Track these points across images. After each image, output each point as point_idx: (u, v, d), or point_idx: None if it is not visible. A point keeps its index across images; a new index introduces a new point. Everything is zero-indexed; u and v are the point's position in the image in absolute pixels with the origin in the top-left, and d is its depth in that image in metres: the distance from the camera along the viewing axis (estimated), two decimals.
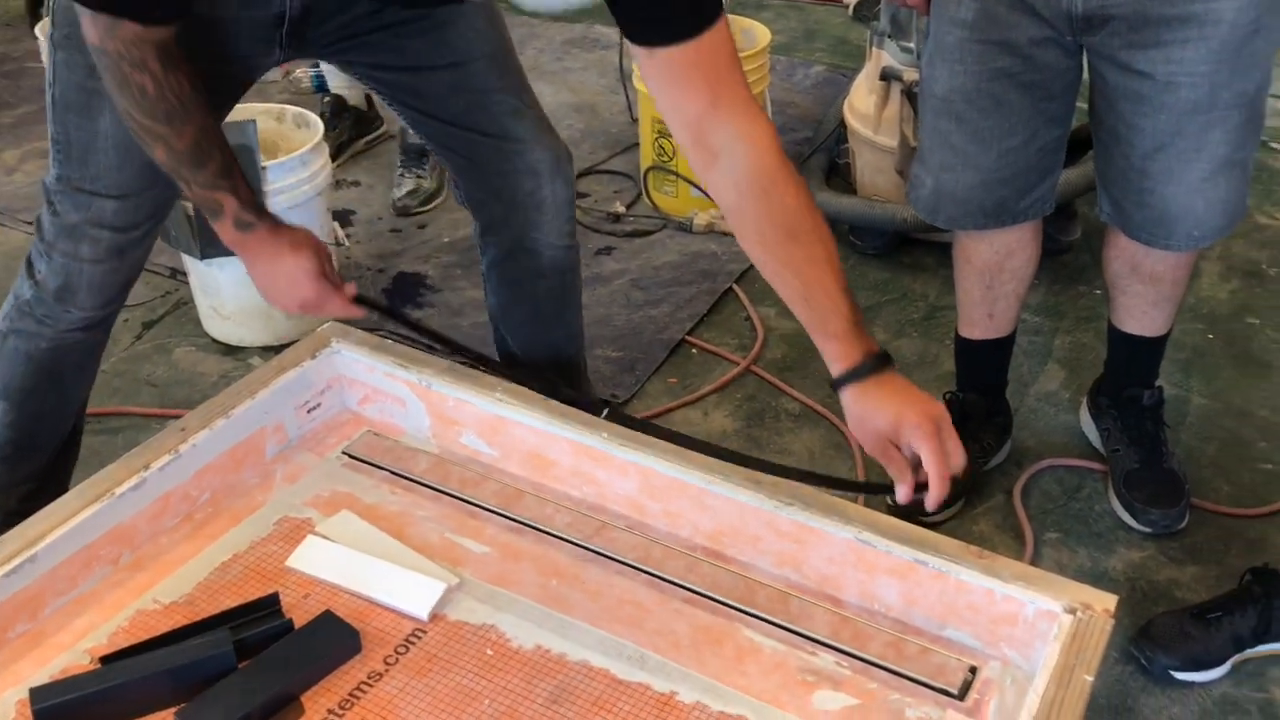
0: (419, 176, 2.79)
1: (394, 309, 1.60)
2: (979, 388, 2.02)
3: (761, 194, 1.28)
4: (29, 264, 1.61)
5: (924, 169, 1.81)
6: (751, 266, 2.54)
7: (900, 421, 1.29)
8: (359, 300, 1.53)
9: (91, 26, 1.27)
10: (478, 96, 1.66)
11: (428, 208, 2.80)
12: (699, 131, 1.28)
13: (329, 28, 1.53)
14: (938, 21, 1.69)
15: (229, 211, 1.41)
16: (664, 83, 1.27)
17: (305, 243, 1.48)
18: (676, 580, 1.47)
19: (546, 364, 1.86)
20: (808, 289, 1.29)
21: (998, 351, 2.00)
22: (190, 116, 1.34)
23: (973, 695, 1.33)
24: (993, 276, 1.88)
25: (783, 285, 1.32)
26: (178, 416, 1.68)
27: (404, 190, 2.77)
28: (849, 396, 1.31)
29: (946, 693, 1.33)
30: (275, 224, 1.46)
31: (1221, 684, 1.63)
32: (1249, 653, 1.64)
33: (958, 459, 1.28)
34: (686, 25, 1.22)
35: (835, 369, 1.30)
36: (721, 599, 1.45)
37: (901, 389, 1.30)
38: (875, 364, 1.29)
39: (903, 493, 1.30)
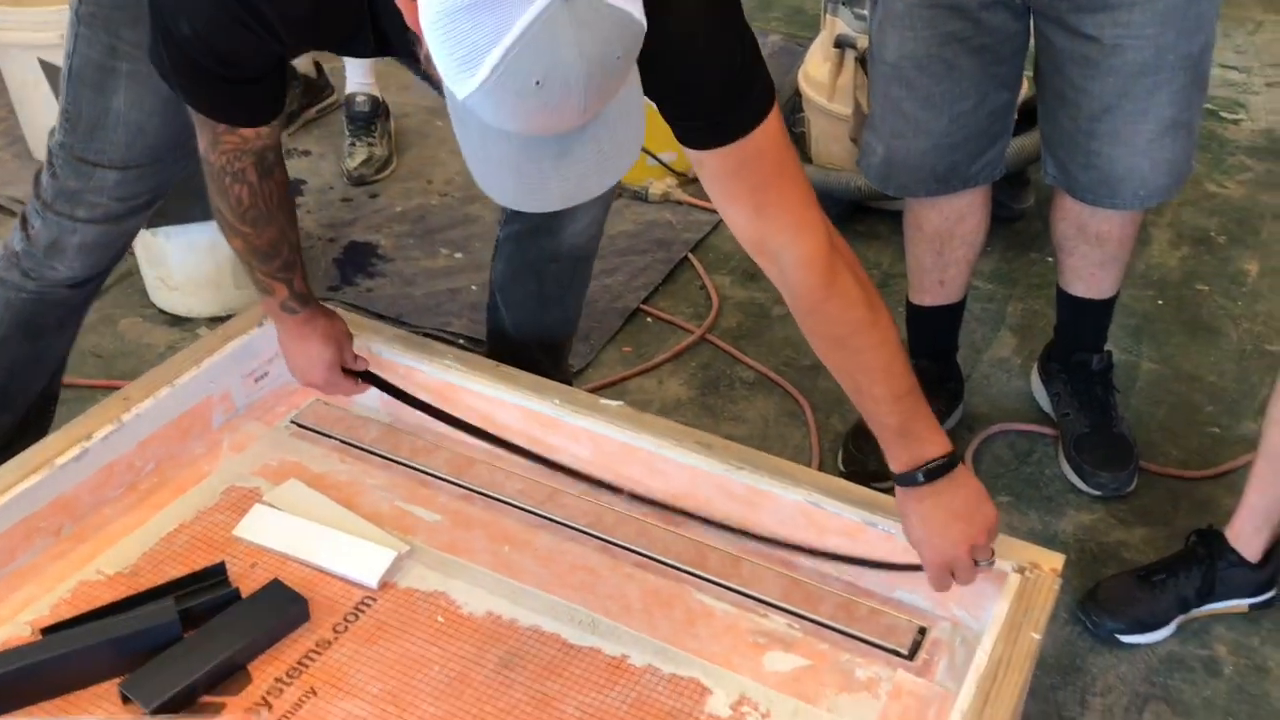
0: (370, 144, 2.75)
1: (401, 391, 1.64)
2: (930, 354, 2.03)
3: (807, 311, 1.30)
4: (23, 219, 1.60)
5: (875, 137, 1.81)
6: (707, 235, 2.56)
7: (919, 552, 1.33)
8: (367, 377, 1.65)
9: (201, 138, 1.35)
10: None
11: (381, 176, 2.76)
12: (751, 238, 1.28)
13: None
14: None
15: (279, 297, 1.52)
16: (711, 187, 1.27)
17: (331, 336, 1.59)
18: (628, 545, 1.47)
19: (536, 343, 1.85)
20: (858, 395, 1.32)
21: (949, 318, 2.00)
22: (274, 220, 1.44)
23: (922, 655, 1.34)
24: (943, 243, 1.89)
25: (842, 384, 1.35)
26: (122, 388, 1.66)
27: (357, 160, 2.74)
28: (896, 498, 1.34)
29: (896, 653, 1.35)
30: (313, 312, 1.56)
31: (1167, 643, 1.65)
32: (1194, 613, 1.66)
33: (964, 580, 1.32)
34: (721, 131, 1.20)
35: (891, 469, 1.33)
36: (673, 563, 1.45)
37: (931, 515, 1.30)
38: (908, 479, 1.30)
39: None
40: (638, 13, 0.94)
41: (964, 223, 1.87)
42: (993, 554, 1.30)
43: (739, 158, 1.22)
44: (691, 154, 1.25)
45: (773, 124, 1.22)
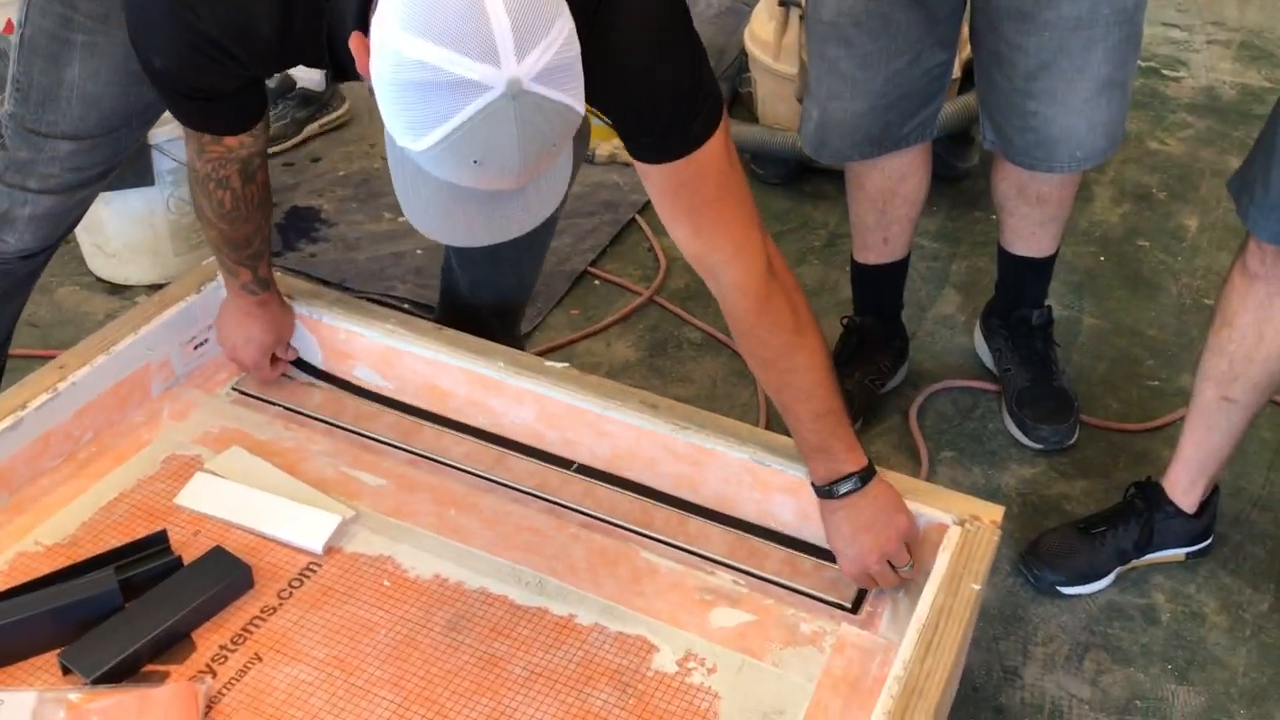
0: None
1: (328, 375, 1.68)
2: (875, 311, 2.04)
3: (739, 331, 1.36)
4: None
5: (811, 101, 1.80)
6: None
7: (840, 559, 1.37)
8: (298, 364, 1.69)
9: (187, 146, 1.40)
10: None
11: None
12: (691, 252, 1.32)
13: None
14: None
15: (242, 280, 1.55)
16: (656, 200, 1.30)
17: (274, 324, 1.61)
18: (574, 505, 1.47)
19: (489, 307, 1.84)
20: (783, 410, 1.37)
21: (893, 276, 2.01)
22: (251, 218, 1.48)
23: (865, 608, 1.36)
24: (885, 202, 1.89)
25: (769, 396, 1.43)
26: None
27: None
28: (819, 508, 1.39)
29: (840, 606, 1.36)
30: (269, 297, 1.59)
31: (1106, 593, 1.68)
32: (1133, 563, 1.69)
33: (885, 583, 1.37)
34: (666, 148, 1.23)
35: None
36: (619, 522, 1.45)
37: (843, 525, 1.35)
38: (824, 491, 1.36)
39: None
40: (578, 104, 0.98)
41: (905, 181, 1.87)
42: (909, 561, 1.35)
43: (682, 175, 1.24)
44: (638, 166, 1.27)
45: (717, 144, 1.24)
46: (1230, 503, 1.81)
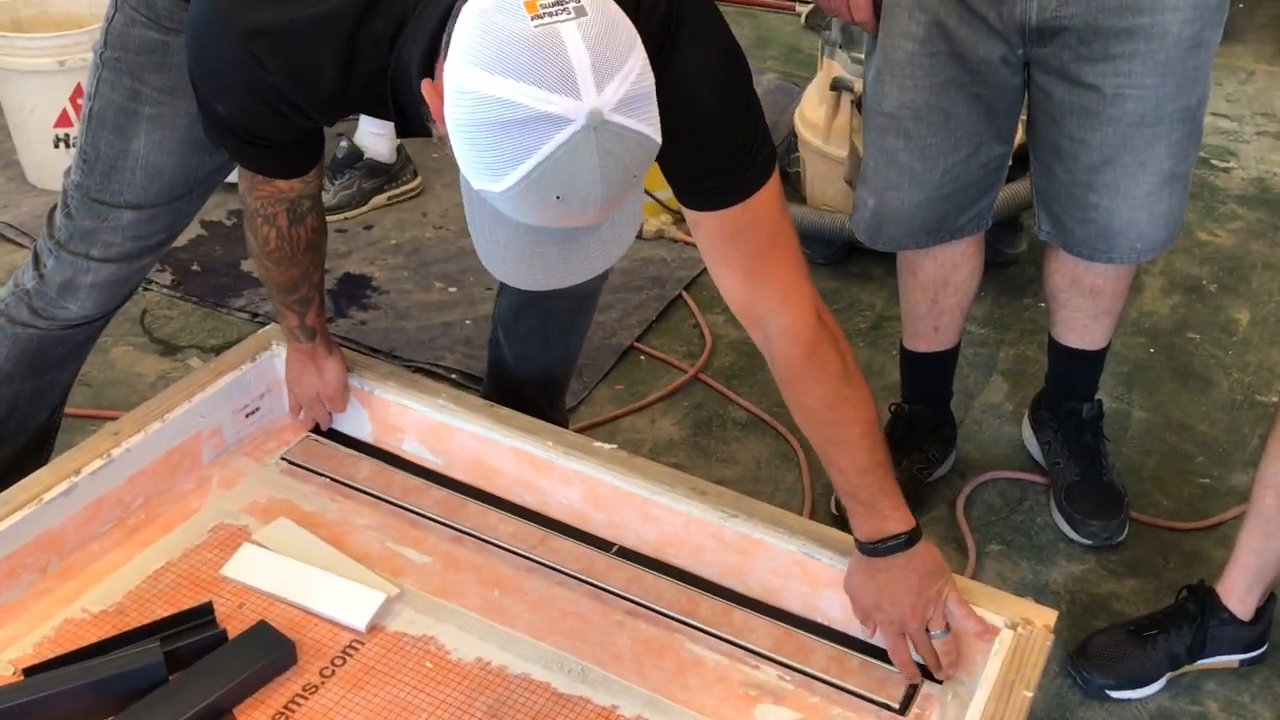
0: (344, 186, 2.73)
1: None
2: (924, 399, 2.03)
3: (786, 379, 1.34)
4: (35, 258, 1.59)
5: (867, 190, 1.81)
6: (700, 273, 2.56)
7: (872, 616, 1.36)
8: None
9: (241, 179, 1.41)
10: None
11: (340, 217, 2.72)
12: (739, 302, 1.31)
13: None
14: (886, 36, 1.69)
15: (289, 324, 1.59)
16: (705, 248, 1.30)
17: (327, 375, 1.63)
18: (619, 591, 1.46)
19: (535, 381, 1.85)
20: (828, 464, 1.37)
21: (942, 364, 2.01)
22: (297, 261, 1.49)
23: (914, 710, 1.33)
24: (937, 290, 1.89)
25: (815, 449, 1.40)
26: (113, 418, 1.65)
27: (345, 151, 2.73)
28: (851, 564, 1.38)
29: (888, 707, 1.34)
30: (317, 348, 1.62)
31: (1157, 698, 1.64)
32: (1184, 669, 1.65)
33: (924, 652, 1.35)
34: (721, 196, 1.23)
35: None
36: (664, 611, 1.44)
37: (886, 586, 1.34)
38: (868, 549, 1.34)
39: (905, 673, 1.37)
40: (655, 133, 0.98)
41: (957, 271, 1.87)
42: (946, 626, 1.33)
43: (736, 223, 1.24)
44: (689, 213, 1.26)
45: (771, 192, 1.24)
46: None
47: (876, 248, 1.86)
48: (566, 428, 1.93)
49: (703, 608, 1.45)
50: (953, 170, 1.72)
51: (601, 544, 1.52)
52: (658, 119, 0.99)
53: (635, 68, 0.96)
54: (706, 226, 1.26)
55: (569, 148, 0.93)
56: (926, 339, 1.96)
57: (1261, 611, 1.64)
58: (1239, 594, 1.61)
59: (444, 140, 1.02)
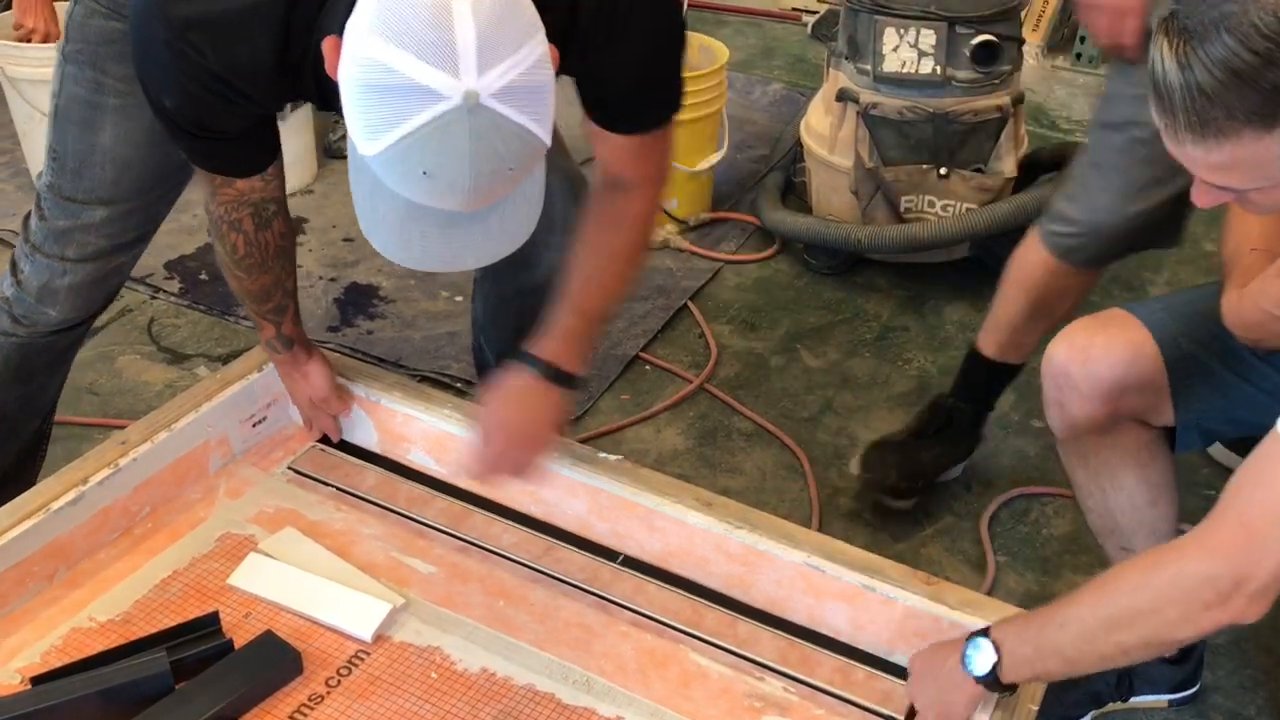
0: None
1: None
2: (973, 401, 2.00)
3: (591, 224, 1.42)
4: (13, 264, 1.60)
5: (1075, 207, 1.71)
6: (706, 283, 2.57)
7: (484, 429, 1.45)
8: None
9: (202, 189, 1.40)
10: None
11: None
12: (609, 178, 1.40)
13: None
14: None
15: (266, 335, 1.57)
16: (599, 149, 1.38)
17: (311, 380, 1.61)
18: (624, 602, 1.46)
19: None
20: (564, 286, 1.43)
21: (1007, 375, 1.97)
22: (268, 268, 1.48)
23: None
24: (1048, 309, 1.83)
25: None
26: (120, 427, 1.66)
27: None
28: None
29: (892, 719, 1.33)
30: (296, 356, 1.60)
31: (1164, 712, 1.64)
32: (1110, 707, 1.64)
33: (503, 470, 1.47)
34: (630, 125, 1.33)
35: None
36: (669, 621, 1.44)
37: (513, 397, 1.42)
38: (525, 357, 1.42)
39: None
40: (541, 131, 1.00)
41: (1065, 300, 1.83)
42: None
43: (635, 146, 1.33)
44: (594, 129, 1.33)
45: (671, 127, 1.36)
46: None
47: (1070, 263, 1.77)
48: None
49: (707, 619, 1.45)
50: (1171, 195, 1.64)
51: (606, 554, 1.52)
52: (549, 117, 1.00)
53: (528, 58, 0.97)
54: (608, 141, 1.33)
55: (440, 124, 0.94)
56: (1007, 348, 1.91)
57: (1190, 650, 1.62)
58: None
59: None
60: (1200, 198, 1.12)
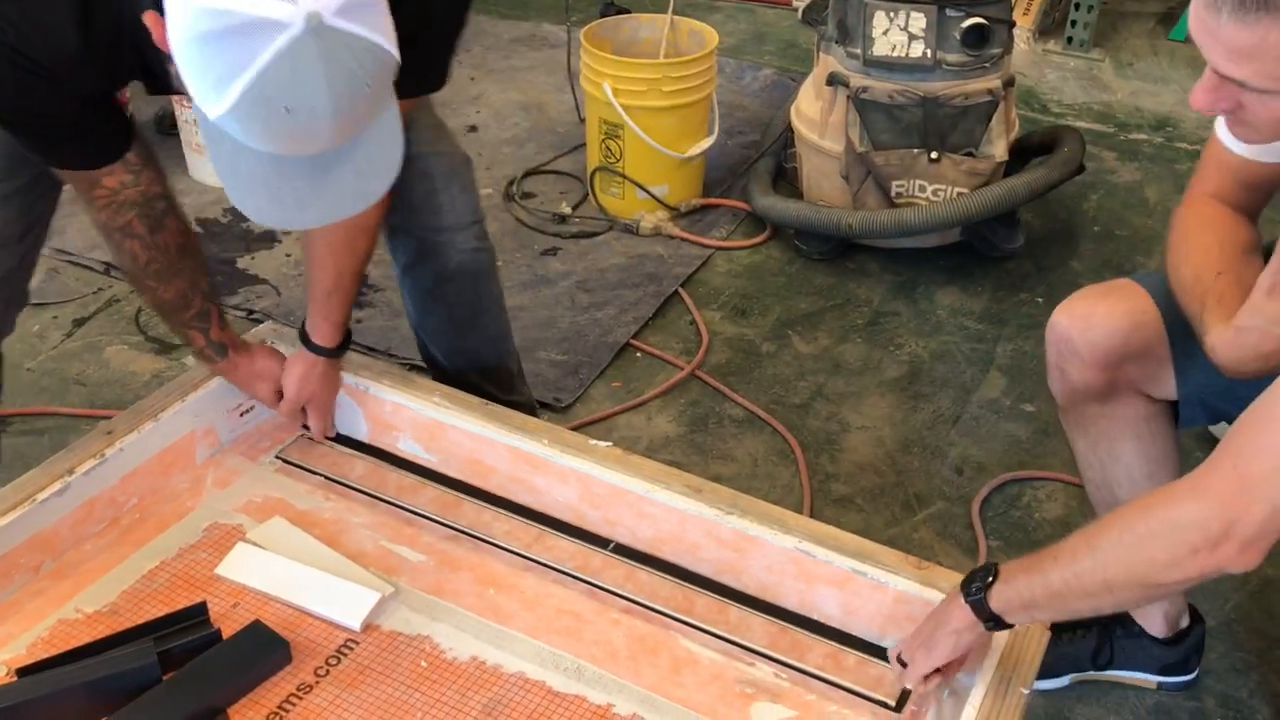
0: None
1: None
2: None
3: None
4: None
5: None
6: (698, 270, 2.56)
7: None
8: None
9: (79, 199, 1.35)
10: None
11: None
12: None
13: None
14: None
15: (197, 345, 1.55)
16: None
17: (256, 375, 1.60)
18: (615, 589, 1.45)
19: (470, 370, 1.84)
20: (322, 266, 1.53)
21: None
22: (179, 271, 1.44)
23: (909, 707, 1.33)
24: None
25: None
26: (107, 417, 1.64)
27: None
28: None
29: (884, 704, 1.33)
30: (235, 359, 1.58)
31: (1156, 695, 1.64)
32: (1090, 674, 1.63)
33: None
34: (419, 85, 1.37)
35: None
36: (660, 608, 1.43)
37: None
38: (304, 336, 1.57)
39: None
40: (388, 44, 0.98)
41: None
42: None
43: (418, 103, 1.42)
44: None
45: (417, 104, 1.42)
46: None
47: None
48: (533, 407, 1.93)
49: (699, 605, 1.44)
50: None
51: (597, 541, 1.52)
52: (391, 31, 0.98)
53: None
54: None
55: (289, 54, 0.92)
56: None
57: (1185, 634, 1.61)
58: (1144, 608, 1.59)
59: (177, 78, 1.01)
60: (1199, 97, 1.10)
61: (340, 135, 0.99)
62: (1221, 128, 1.33)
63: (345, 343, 1.61)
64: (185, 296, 1.47)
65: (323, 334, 1.58)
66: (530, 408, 1.92)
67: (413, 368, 2.14)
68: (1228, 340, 1.23)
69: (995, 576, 1.21)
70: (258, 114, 0.95)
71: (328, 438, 1.67)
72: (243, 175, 1.03)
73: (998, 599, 1.20)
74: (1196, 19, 1.05)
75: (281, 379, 1.61)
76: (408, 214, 1.65)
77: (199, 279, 1.48)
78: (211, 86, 0.95)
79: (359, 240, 1.52)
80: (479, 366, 1.84)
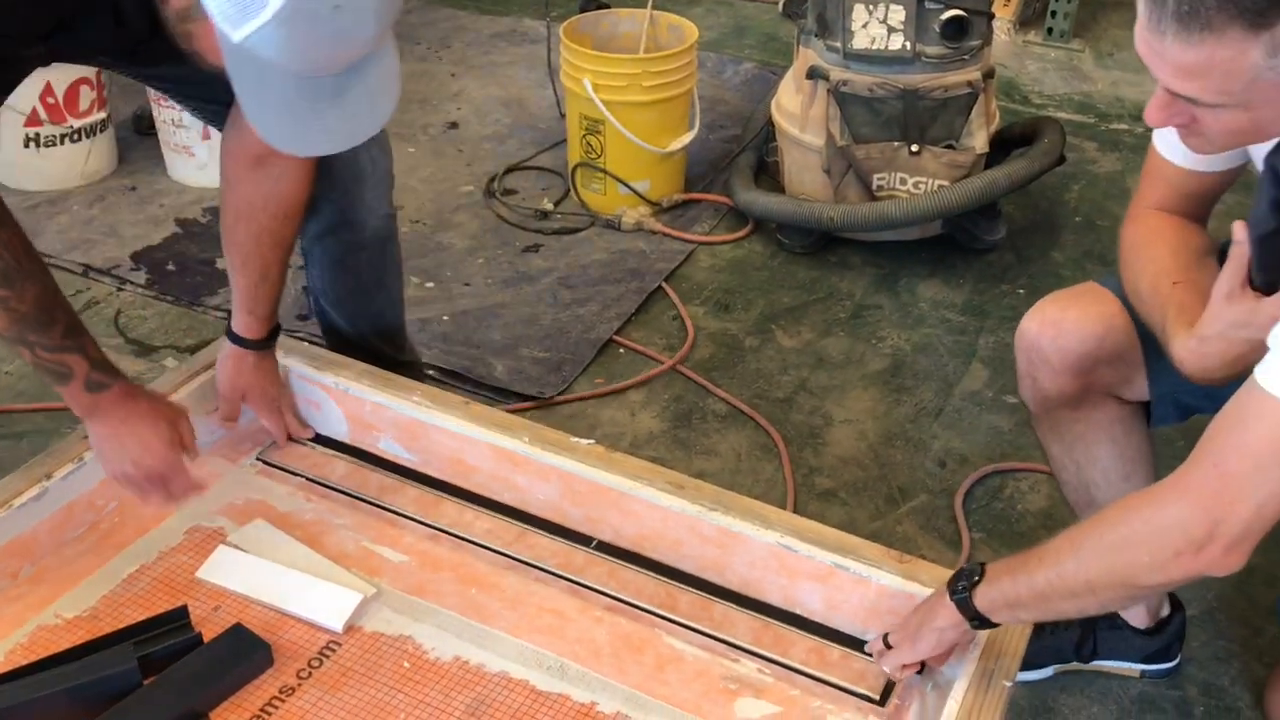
0: None
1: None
2: None
3: (236, 180, 1.48)
4: None
5: None
6: (680, 265, 2.55)
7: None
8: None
9: None
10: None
11: None
12: (256, 156, 1.44)
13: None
14: None
15: (79, 374, 1.33)
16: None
17: (165, 408, 1.43)
18: (598, 587, 1.45)
19: (372, 333, 1.84)
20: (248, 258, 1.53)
21: None
22: (31, 275, 1.27)
23: (893, 701, 1.33)
24: None
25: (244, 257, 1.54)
26: None
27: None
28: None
29: (868, 698, 1.33)
30: (128, 385, 1.39)
31: (1140, 683, 1.64)
32: (1074, 665, 1.63)
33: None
34: None
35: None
36: (643, 605, 1.43)
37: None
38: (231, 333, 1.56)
39: None
40: None
41: None
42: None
43: None
44: None
45: None
46: (1263, 592, 1.77)
47: None
48: (419, 366, 1.97)
49: (682, 602, 1.44)
50: None
51: (580, 539, 1.52)
52: None
53: None
54: None
55: None
56: None
57: (1166, 623, 1.62)
58: None
59: (178, 18, 1.04)
60: (1153, 113, 1.10)
61: (378, 32, 1.01)
62: (1159, 140, 1.34)
63: (274, 334, 1.60)
64: (46, 306, 1.28)
65: (250, 328, 1.57)
66: (421, 366, 1.96)
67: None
68: (1192, 350, 1.23)
69: (981, 576, 1.21)
70: (305, 12, 0.95)
71: (304, 439, 1.66)
72: (270, 103, 1.04)
73: (983, 598, 1.20)
74: (1142, 40, 1.05)
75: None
76: (327, 183, 1.64)
77: (53, 287, 1.29)
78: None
79: (285, 229, 1.52)
80: (379, 328, 1.85)
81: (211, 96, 1.57)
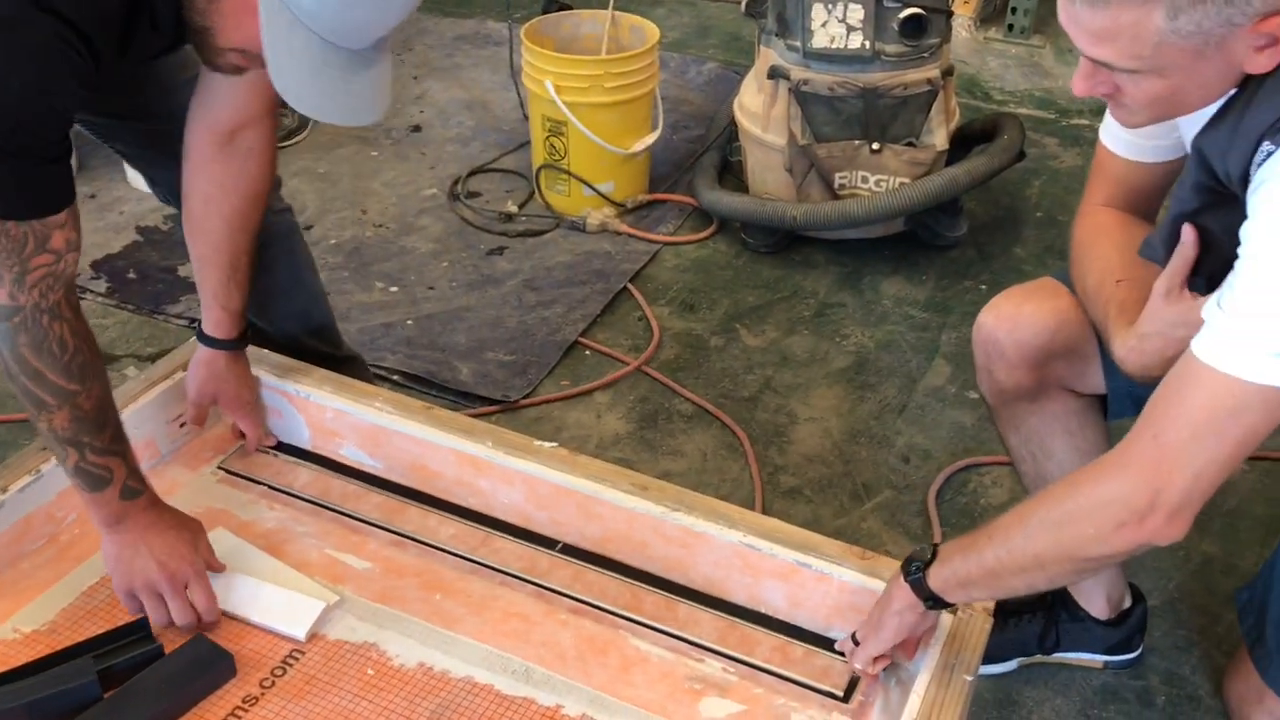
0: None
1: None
2: None
3: (211, 160, 1.47)
4: None
5: None
6: (645, 266, 2.56)
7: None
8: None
9: (3, 283, 1.17)
10: (148, 86, 1.56)
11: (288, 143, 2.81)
12: (221, 134, 1.46)
13: None
14: None
15: (119, 479, 1.33)
16: (212, 96, 1.43)
17: (187, 519, 1.42)
18: (563, 590, 1.45)
19: (301, 332, 1.82)
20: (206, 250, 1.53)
21: None
22: (98, 372, 1.28)
23: (857, 697, 1.34)
24: None
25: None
26: None
27: None
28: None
29: (832, 695, 1.34)
30: (154, 494, 1.39)
31: (1103, 675, 1.66)
32: (1038, 658, 1.65)
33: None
34: None
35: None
36: (608, 607, 1.43)
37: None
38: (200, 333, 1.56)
39: None
40: None
41: None
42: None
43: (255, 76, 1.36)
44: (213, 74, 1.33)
45: None
46: (1222, 580, 1.80)
47: None
48: (362, 361, 1.95)
49: (647, 603, 1.44)
50: None
51: (545, 542, 1.52)
52: None
53: None
54: (243, 82, 1.34)
55: None
56: None
57: (1128, 614, 1.64)
58: (1087, 590, 1.61)
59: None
60: (1078, 82, 1.12)
61: (408, 8, 1.10)
62: (1104, 132, 1.36)
63: (245, 333, 1.59)
64: (104, 407, 1.28)
65: (222, 324, 1.56)
66: (362, 361, 1.95)
67: None
68: (1132, 348, 1.25)
69: (934, 557, 1.23)
70: None
71: (268, 446, 1.65)
72: (296, 53, 1.10)
73: (935, 578, 1.22)
74: (1061, 7, 1.08)
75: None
76: None
77: (109, 387, 1.30)
78: None
79: (254, 212, 1.52)
80: (308, 326, 1.83)
81: (100, 109, 1.61)
